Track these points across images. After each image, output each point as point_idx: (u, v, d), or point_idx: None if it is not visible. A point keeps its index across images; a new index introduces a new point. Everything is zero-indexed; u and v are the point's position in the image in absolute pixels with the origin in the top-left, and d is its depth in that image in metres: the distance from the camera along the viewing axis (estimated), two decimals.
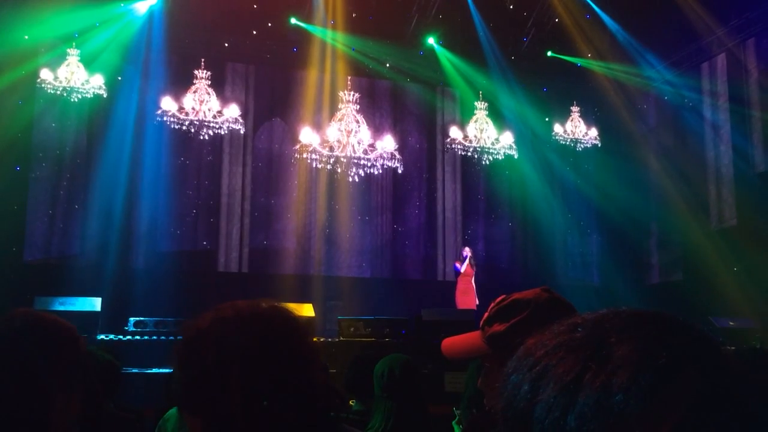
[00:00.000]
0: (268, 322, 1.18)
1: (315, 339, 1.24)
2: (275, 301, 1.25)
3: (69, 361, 1.33)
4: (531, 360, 0.58)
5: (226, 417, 1.10)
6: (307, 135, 11.38)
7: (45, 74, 10.33)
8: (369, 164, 11.57)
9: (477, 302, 10.84)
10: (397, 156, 11.67)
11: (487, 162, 12.56)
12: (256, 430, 1.11)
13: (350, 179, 11.85)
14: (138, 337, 8.77)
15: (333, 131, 11.44)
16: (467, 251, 11.28)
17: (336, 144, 11.40)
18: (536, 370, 0.56)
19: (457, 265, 11.37)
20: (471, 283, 11.06)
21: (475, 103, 12.54)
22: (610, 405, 0.50)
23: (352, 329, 8.83)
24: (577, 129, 13.02)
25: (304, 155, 11.41)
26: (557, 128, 12.99)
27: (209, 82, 11.22)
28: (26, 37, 10.61)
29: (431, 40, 13.08)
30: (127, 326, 8.95)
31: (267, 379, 1.12)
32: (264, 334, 1.16)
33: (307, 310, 8.81)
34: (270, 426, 1.12)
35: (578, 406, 0.52)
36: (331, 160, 11.47)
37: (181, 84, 11.34)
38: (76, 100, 10.61)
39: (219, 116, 11.16)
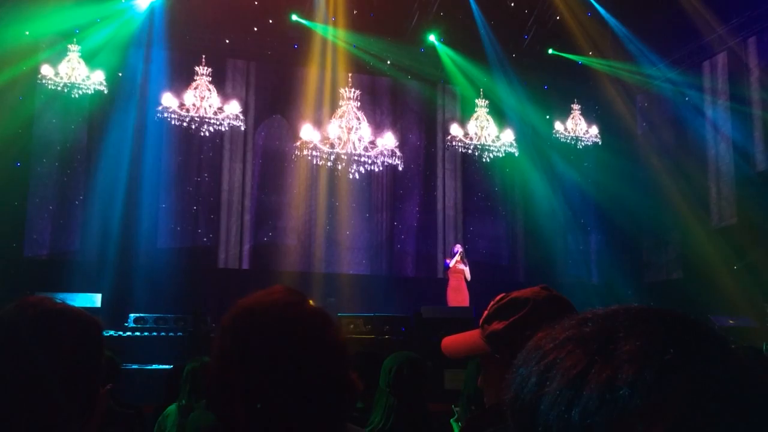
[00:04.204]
0: (304, 317, 1.17)
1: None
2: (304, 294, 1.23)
3: (80, 360, 1.20)
4: (540, 353, 0.57)
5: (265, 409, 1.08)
6: (307, 132, 11.38)
7: (46, 70, 10.33)
8: (369, 161, 11.56)
9: (468, 299, 10.72)
10: (398, 153, 11.66)
11: (488, 159, 12.56)
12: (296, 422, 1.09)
13: (351, 176, 11.84)
14: (138, 333, 8.78)
15: (333, 128, 11.44)
16: (458, 248, 11.18)
17: (336, 141, 11.40)
18: (544, 362, 0.56)
19: (447, 260, 11.32)
20: (462, 280, 10.93)
21: (476, 101, 12.53)
22: (614, 399, 0.50)
23: (351, 326, 8.81)
24: (577, 127, 13.02)
25: (305, 152, 11.41)
26: (558, 126, 12.98)
27: (210, 79, 11.22)
28: (27, 33, 10.60)
29: (432, 38, 13.05)
30: (127, 322, 8.96)
31: (309, 372, 1.10)
32: (305, 328, 1.15)
33: None
34: (315, 419, 1.10)
35: (583, 399, 0.51)
36: (332, 157, 11.46)
37: (181, 80, 11.35)
38: (76, 96, 10.61)
39: (219, 113, 11.17)
